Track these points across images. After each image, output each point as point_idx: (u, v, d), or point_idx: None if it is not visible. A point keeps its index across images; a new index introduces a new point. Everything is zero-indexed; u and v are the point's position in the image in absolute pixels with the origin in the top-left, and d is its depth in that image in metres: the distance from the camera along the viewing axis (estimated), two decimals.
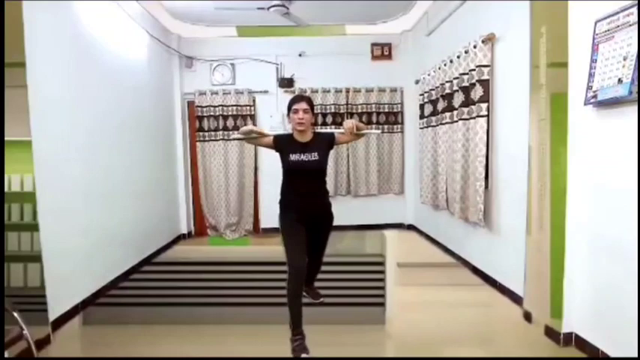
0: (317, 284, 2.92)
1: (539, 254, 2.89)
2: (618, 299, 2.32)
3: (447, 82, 4.40)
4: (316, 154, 2.61)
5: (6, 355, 2.20)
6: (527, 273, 3.06)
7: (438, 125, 4.75)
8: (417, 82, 5.52)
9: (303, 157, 2.60)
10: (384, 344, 2.98)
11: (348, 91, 6.06)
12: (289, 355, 2.50)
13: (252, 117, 6.03)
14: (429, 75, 5.00)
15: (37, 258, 2.85)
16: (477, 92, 3.72)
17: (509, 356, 2.63)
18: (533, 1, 2.92)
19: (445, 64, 4.42)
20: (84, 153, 3.56)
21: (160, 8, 5.07)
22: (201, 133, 6.03)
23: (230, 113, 5.98)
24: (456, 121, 4.16)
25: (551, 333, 2.77)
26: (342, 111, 6.04)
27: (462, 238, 4.45)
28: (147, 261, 4.66)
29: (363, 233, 5.88)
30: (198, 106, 5.99)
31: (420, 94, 5.34)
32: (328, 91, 6.03)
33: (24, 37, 2.76)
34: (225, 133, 5.98)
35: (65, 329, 3.07)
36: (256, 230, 6.27)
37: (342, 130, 2.69)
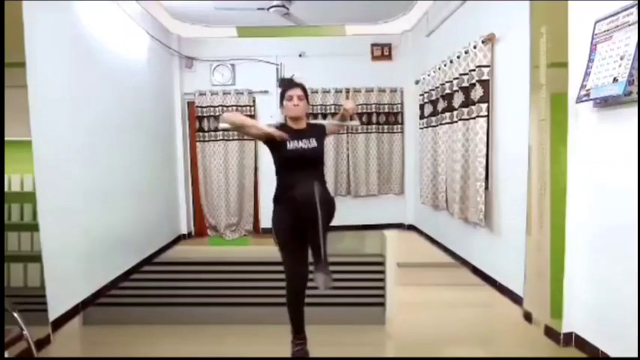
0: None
1: (539, 254, 2.89)
2: (618, 299, 2.32)
3: (447, 82, 4.40)
4: (314, 140, 2.45)
5: (6, 355, 2.20)
6: (527, 273, 3.06)
7: (438, 125, 4.76)
8: (417, 82, 5.52)
9: (302, 144, 2.41)
10: (384, 344, 2.97)
11: (348, 91, 6.05)
12: (289, 355, 2.50)
13: (253, 117, 6.03)
14: (429, 75, 5.01)
15: (37, 258, 2.85)
16: (477, 92, 3.72)
17: (509, 356, 2.62)
18: (533, 1, 2.92)
19: (445, 65, 4.42)
20: (84, 153, 3.56)
21: (160, 8, 5.07)
22: (201, 134, 6.03)
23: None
24: (456, 122, 4.16)
25: (551, 333, 2.76)
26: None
27: (462, 238, 4.45)
28: (147, 261, 4.65)
29: (363, 233, 5.88)
30: (198, 107, 5.99)
31: (420, 95, 5.34)
32: (328, 92, 6.04)
33: (24, 37, 2.76)
34: (225, 133, 5.99)
35: (65, 329, 3.07)
36: (256, 230, 6.27)
37: (330, 122, 2.60)
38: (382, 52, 6.13)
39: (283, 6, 4.53)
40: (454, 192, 4.26)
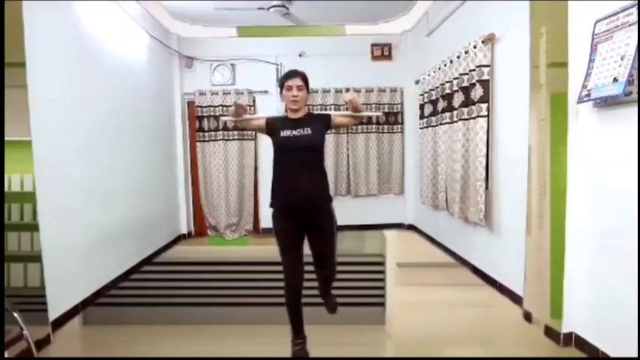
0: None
1: (539, 254, 2.89)
2: (618, 299, 2.32)
3: (446, 82, 4.40)
4: (309, 129, 2.38)
5: (6, 355, 2.20)
6: (527, 273, 3.06)
7: (438, 125, 4.76)
8: (417, 82, 5.52)
9: (295, 132, 2.36)
10: (384, 344, 2.97)
11: (348, 91, 6.06)
12: (289, 355, 2.50)
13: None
14: (429, 75, 5.00)
15: (37, 258, 2.85)
16: (477, 92, 3.72)
17: (509, 356, 2.62)
18: (533, 1, 2.92)
19: (445, 65, 4.42)
20: (84, 153, 3.56)
21: (160, 8, 5.07)
22: (201, 134, 6.03)
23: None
24: (456, 122, 4.16)
25: (551, 333, 2.76)
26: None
27: (462, 238, 4.45)
28: (147, 261, 4.65)
29: (363, 233, 5.88)
30: (198, 107, 5.99)
31: (420, 95, 5.34)
32: (328, 91, 6.04)
33: (24, 37, 2.76)
34: (225, 133, 5.99)
35: (65, 329, 3.07)
36: (256, 230, 6.27)
37: (340, 113, 2.56)
38: (382, 52, 6.13)
39: (283, 6, 4.53)
40: (454, 192, 4.26)
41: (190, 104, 6.12)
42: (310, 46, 6.05)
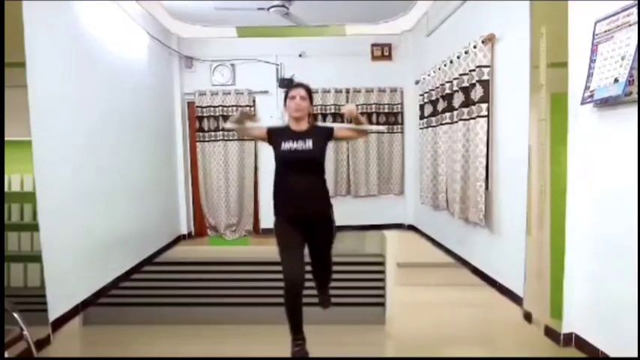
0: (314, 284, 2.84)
1: (539, 254, 2.89)
2: (618, 299, 2.32)
3: (447, 82, 4.40)
4: (310, 142, 2.41)
5: (6, 355, 2.20)
6: (527, 273, 3.06)
7: (438, 126, 4.76)
8: (417, 82, 5.52)
9: (296, 145, 2.40)
10: (384, 344, 2.98)
11: (348, 91, 6.07)
12: (289, 355, 2.50)
13: (252, 117, 6.01)
14: (429, 75, 5.00)
15: (37, 258, 2.85)
16: (477, 92, 3.72)
17: (509, 356, 2.62)
18: (533, 1, 2.92)
19: (445, 65, 4.42)
20: (84, 153, 3.56)
21: (160, 8, 5.07)
22: (201, 134, 6.03)
23: (230, 114, 5.96)
24: (456, 122, 4.16)
25: (551, 333, 2.76)
26: (342, 111, 6.02)
27: (462, 238, 4.45)
28: (147, 261, 4.65)
29: (363, 233, 5.88)
30: (198, 107, 5.99)
31: (420, 95, 5.34)
32: (328, 92, 6.03)
33: (24, 37, 2.77)
34: (225, 133, 5.99)
35: (65, 329, 3.07)
36: (256, 230, 6.27)
37: (342, 125, 2.61)
38: (382, 52, 6.13)
39: (283, 6, 4.53)
40: (454, 192, 4.26)
41: (190, 104, 6.11)
42: (310, 46, 6.05)
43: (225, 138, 6.01)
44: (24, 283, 2.92)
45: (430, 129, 5.02)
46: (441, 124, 4.63)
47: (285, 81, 5.96)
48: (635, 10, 2.10)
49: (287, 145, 2.42)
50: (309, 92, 2.52)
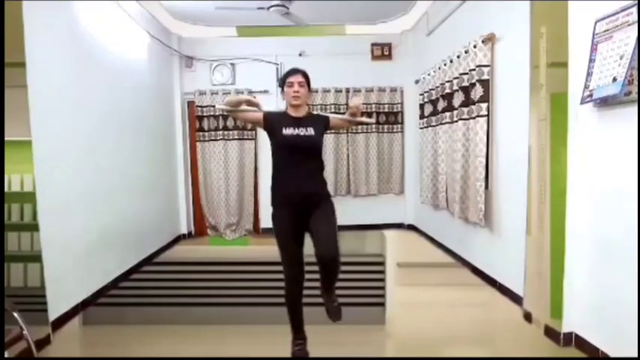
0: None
1: (539, 254, 2.89)
2: (618, 299, 2.32)
3: (446, 82, 4.40)
4: (312, 129, 2.39)
5: (6, 355, 2.20)
6: (527, 273, 3.06)
7: (438, 125, 4.75)
8: (416, 82, 5.51)
9: (298, 131, 2.37)
10: (384, 344, 2.98)
11: (348, 91, 6.06)
12: (289, 355, 2.50)
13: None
14: (429, 75, 5.00)
15: (37, 258, 2.85)
16: (477, 92, 3.72)
17: (509, 356, 2.63)
18: (533, 1, 2.92)
19: (445, 64, 4.42)
20: (84, 153, 3.55)
21: (160, 8, 5.06)
22: (201, 133, 6.03)
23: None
24: (456, 121, 4.16)
25: (551, 333, 2.76)
26: (342, 111, 6.02)
27: (462, 238, 4.45)
28: (147, 261, 4.65)
29: (363, 233, 5.88)
30: (198, 106, 5.99)
31: (420, 94, 5.34)
32: (328, 91, 6.03)
33: (24, 37, 2.76)
34: (226, 133, 5.99)
35: (65, 329, 3.07)
36: (256, 230, 6.27)
37: (337, 116, 2.56)
38: (382, 51, 6.13)
39: (283, 5, 4.53)
40: (454, 192, 4.26)
41: (190, 104, 6.11)
42: (310, 46, 6.04)
43: (226, 138, 6.00)
44: (24, 283, 2.92)
45: (430, 128, 5.02)
46: (441, 123, 4.62)
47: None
48: (634, 9, 2.10)
49: (289, 131, 2.38)
50: (307, 78, 2.47)
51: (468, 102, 3.92)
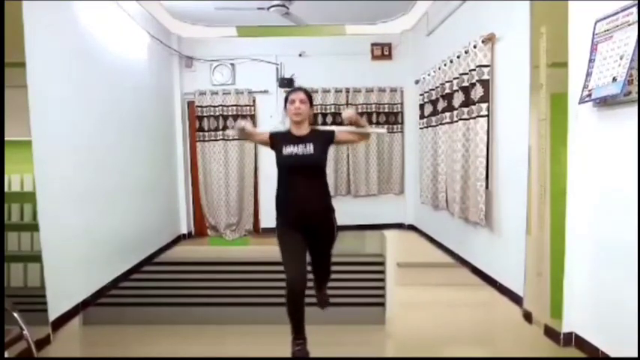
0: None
1: (539, 254, 2.89)
2: (618, 299, 2.32)
3: (447, 82, 4.40)
4: (312, 147, 2.44)
5: (6, 355, 2.20)
6: (527, 273, 3.06)
7: (438, 125, 4.75)
8: (416, 82, 5.52)
9: (297, 149, 2.43)
10: (384, 344, 2.98)
11: (348, 91, 6.07)
12: (289, 355, 2.50)
13: (253, 117, 6.02)
14: (429, 75, 5.00)
15: (37, 258, 2.86)
16: (477, 92, 3.72)
17: (509, 356, 2.62)
18: (533, 1, 2.92)
19: (445, 64, 4.42)
20: (84, 153, 3.56)
21: (160, 8, 5.07)
22: (201, 133, 6.03)
23: (230, 113, 5.98)
24: (456, 121, 4.16)
25: (551, 333, 2.76)
26: (342, 111, 6.02)
27: (462, 238, 4.45)
28: (147, 261, 4.65)
29: (363, 233, 5.87)
30: (198, 106, 5.99)
31: (420, 94, 5.34)
32: (328, 91, 6.03)
33: (24, 37, 2.76)
34: (226, 133, 5.98)
35: (65, 329, 3.07)
36: (256, 230, 6.27)
37: (344, 128, 2.57)
38: (382, 51, 6.13)
39: (283, 5, 4.53)
40: (454, 192, 4.26)
41: (190, 104, 6.11)
42: (310, 46, 6.05)
43: (226, 138, 6.00)
44: (24, 283, 2.92)
45: (430, 128, 5.02)
46: (441, 123, 4.63)
47: (285, 80, 5.96)
48: (634, 9, 2.10)
49: (288, 150, 2.45)
50: (309, 96, 2.55)
51: (468, 102, 3.92)
